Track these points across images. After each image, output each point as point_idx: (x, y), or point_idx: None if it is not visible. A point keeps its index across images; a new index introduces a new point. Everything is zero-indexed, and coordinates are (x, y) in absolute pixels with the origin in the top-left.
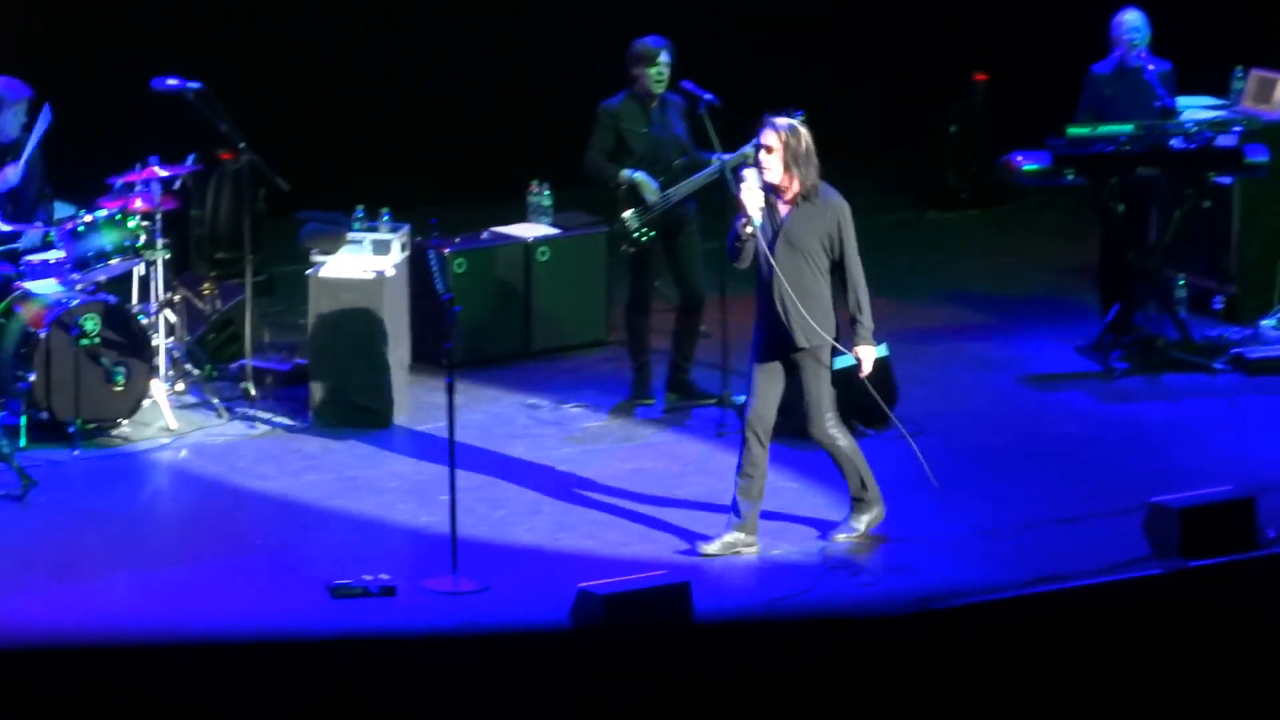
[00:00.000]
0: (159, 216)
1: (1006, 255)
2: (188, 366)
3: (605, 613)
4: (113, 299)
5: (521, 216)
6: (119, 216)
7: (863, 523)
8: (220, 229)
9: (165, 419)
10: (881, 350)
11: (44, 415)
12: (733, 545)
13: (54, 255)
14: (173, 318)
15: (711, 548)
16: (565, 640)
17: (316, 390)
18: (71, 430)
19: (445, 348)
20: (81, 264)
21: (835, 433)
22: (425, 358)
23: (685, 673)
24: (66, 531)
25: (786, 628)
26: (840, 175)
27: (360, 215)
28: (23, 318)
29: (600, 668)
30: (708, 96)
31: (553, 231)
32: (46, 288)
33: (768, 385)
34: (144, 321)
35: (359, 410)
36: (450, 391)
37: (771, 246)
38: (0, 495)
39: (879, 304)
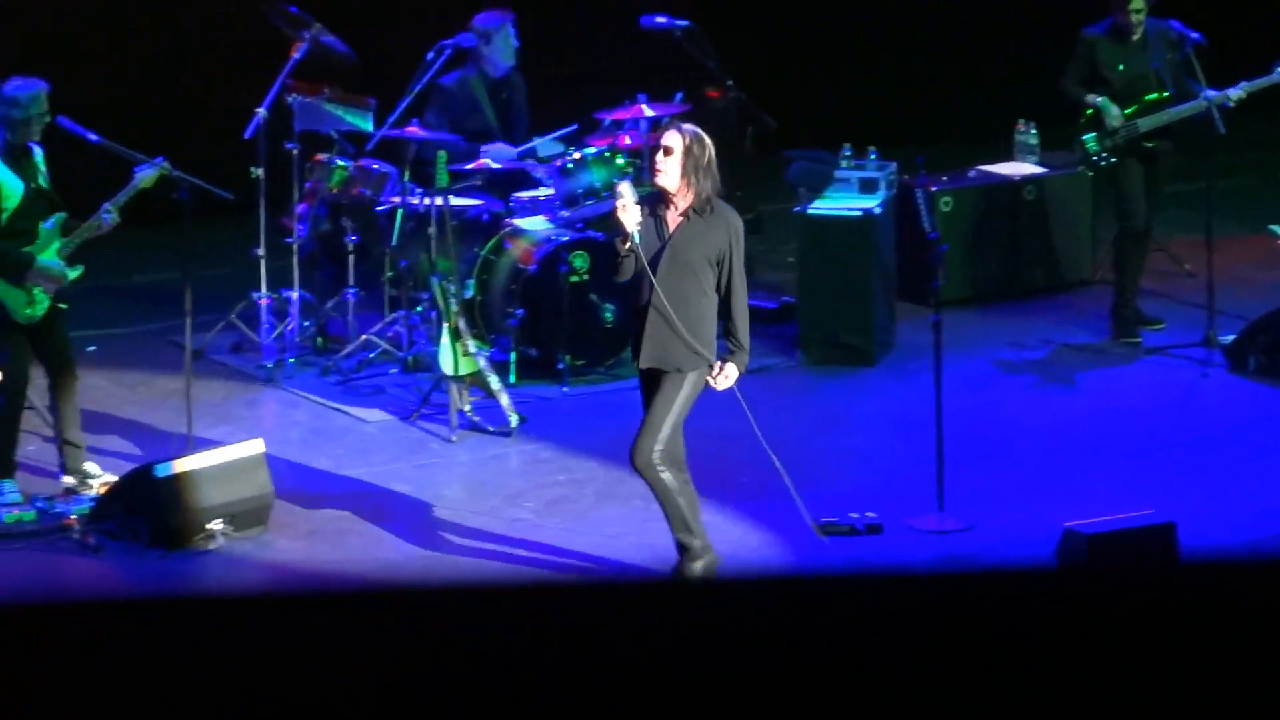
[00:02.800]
0: (647, 154)
1: None
2: None
3: (1090, 552)
4: (601, 236)
5: (1008, 155)
6: (607, 154)
7: (696, 571)
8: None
9: None
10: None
11: (533, 352)
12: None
13: (543, 192)
14: None
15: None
16: (1050, 580)
17: (803, 328)
18: (560, 367)
19: (932, 286)
20: (570, 201)
21: (660, 465)
22: (911, 296)
23: (1172, 616)
24: (554, 467)
25: (1275, 569)
26: None
27: (847, 154)
28: (512, 254)
29: (1086, 609)
30: (1194, 36)
31: (1039, 170)
32: (535, 225)
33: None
34: None
35: (845, 348)
36: (937, 329)
37: (656, 260)
38: (490, 431)
39: None
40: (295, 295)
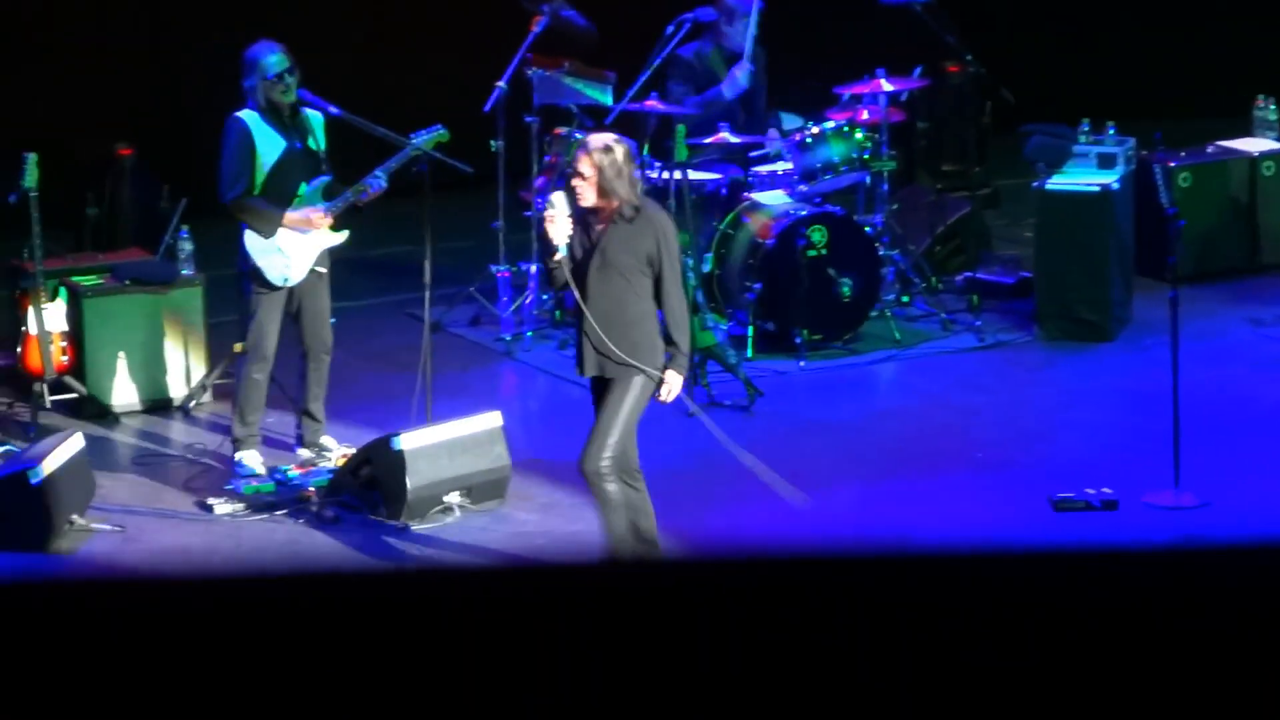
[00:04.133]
0: (886, 129)
1: None
2: (914, 279)
3: None
4: (839, 211)
5: (1247, 131)
6: (846, 129)
7: None
8: (946, 142)
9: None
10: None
11: (770, 326)
12: None
13: (782, 166)
14: (898, 230)
15: None
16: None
17: (1040, 303)
18: (798, 342)
19: (1169, 262)
20: (809, 175)
21: (608, 475)
22: (1148, 271)
23: None
24: (791, 442)
25: None
26: None
27: (1085, 129)
28: (750, 228)
29: None
30: None
31: (1278, 146)
32: (774, 199)
33: None
34: (870, 234)
35: (1081, 323)
36: (1173, 305)
37: (585, 267)
38: (727, 405)
39: None
40: (534, 268)
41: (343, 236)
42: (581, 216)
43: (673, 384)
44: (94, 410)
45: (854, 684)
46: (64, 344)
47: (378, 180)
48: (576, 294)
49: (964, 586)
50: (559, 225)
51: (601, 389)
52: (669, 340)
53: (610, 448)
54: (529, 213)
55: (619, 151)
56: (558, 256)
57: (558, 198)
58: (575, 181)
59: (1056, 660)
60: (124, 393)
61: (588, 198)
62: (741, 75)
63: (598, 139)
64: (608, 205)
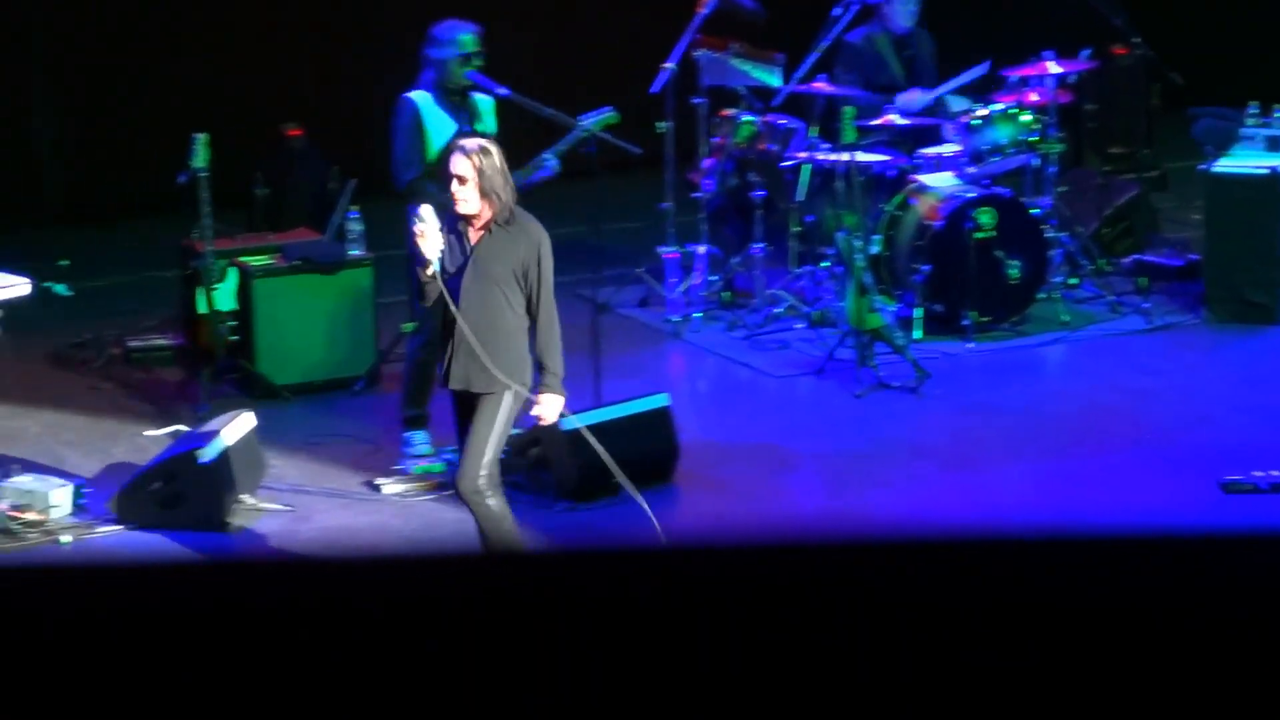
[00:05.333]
0: (1054, 111)
1: None
2: (1082, 261)
3: None
4: (1007, 193)
5: None
6: (1014, 111)
7: None
8: (1114, 124)
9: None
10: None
11: (938, 308)
12: None
13: (949, 149)
14: (1066, 212)
15: None
16: None
17: (1209, 285)
18: (966, 324)
19: None
20: (976, 157)
21: (486, 489)
22: None
23: None
24: (959, 423)
25: None
26: None
27: (1254, 111)
28: (918, 210)
29: None
30: None
31: None
32: (941, 181)
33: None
34: (1038, 216)
35: (1250, 305)
36: None
37: (458, 277)
38: (895, 387)
39: None
40: (702, 250)
41: None
42: (453, 226)
43: (549, 406)
44: (263, 390)
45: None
46: (233, 323)
47: (548, 163)
48: (452, 306)
49: (1134, 566)
50: (430, 239)
51: (467, 404)
52: (538, 359)
53: (486, 465)
54: (697, 194)
55: (496, 154)
56: (430, 270)
57: (425, 210)
58: (454, 187)
59: (1228, 645)
60: (293, 372)
61: (470, 204)
62: (917, 100)
63: (472, 141)
64: (485, 211)
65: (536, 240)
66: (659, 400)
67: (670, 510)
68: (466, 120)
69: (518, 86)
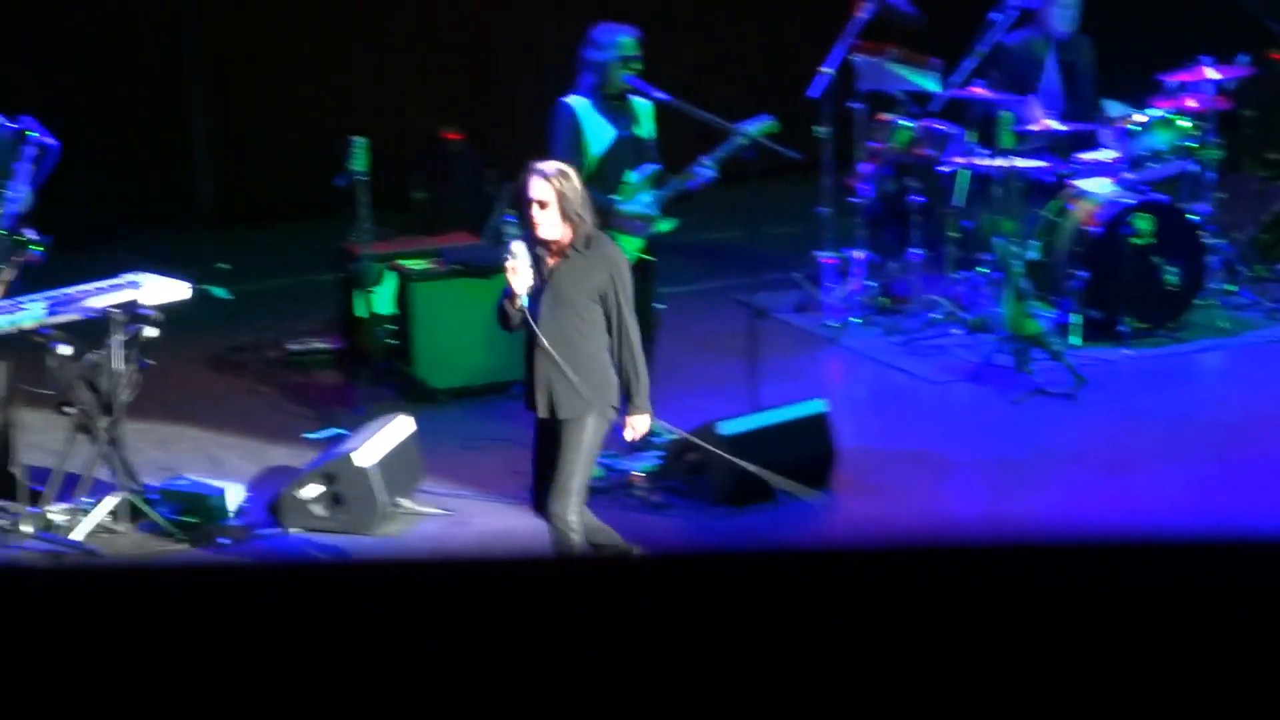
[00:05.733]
0: (1212, 117)
1: None
2: (1239, 267)
3: None
4: (1165, 199)
5: None
6: (1171, 116)
7: None
8: (1272, 130)
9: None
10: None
11: (1095, 314)
12: None
13: (1107, 154)
14: (1224, 218)
15: None
16: None
17: None
18: (1122, 329)
19: None
20: (1134, 163)
21: (574, 522)
22: None
23: None
24: (1116, 430)
25: None
26: None
27: None
28: (1076, 216)
29: None
30: None
31: None
32: (1099, 187)
33: (549, 467)
34: (1196, 222)
35: None
36: None
37: (536, 304)
38: (1052, 393)
39: None
40: (860, 255)
41: (671, 225)
42: (530, 250)
43: (637, 424)
44: (421, 393)
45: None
46: (392, 327)
47: (706, 169)
48: (537, 332)
49: (1230, 574)
50: (521, 275)
51: (550, 429)
52: (623, 380)
53: (575, 492)
54: (854, 199)
55: (574, 175)
56: (518, 304)
57: (518, 246)
58: (534, 212)
59: None
60: (450, 376)
61: (552, 228)
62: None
63: (550, 164)
64: (566, 235)
65: (612, 262)
66: (816, 406)
67: (827, 515)
68: (625, 125)
69: (676, 91)
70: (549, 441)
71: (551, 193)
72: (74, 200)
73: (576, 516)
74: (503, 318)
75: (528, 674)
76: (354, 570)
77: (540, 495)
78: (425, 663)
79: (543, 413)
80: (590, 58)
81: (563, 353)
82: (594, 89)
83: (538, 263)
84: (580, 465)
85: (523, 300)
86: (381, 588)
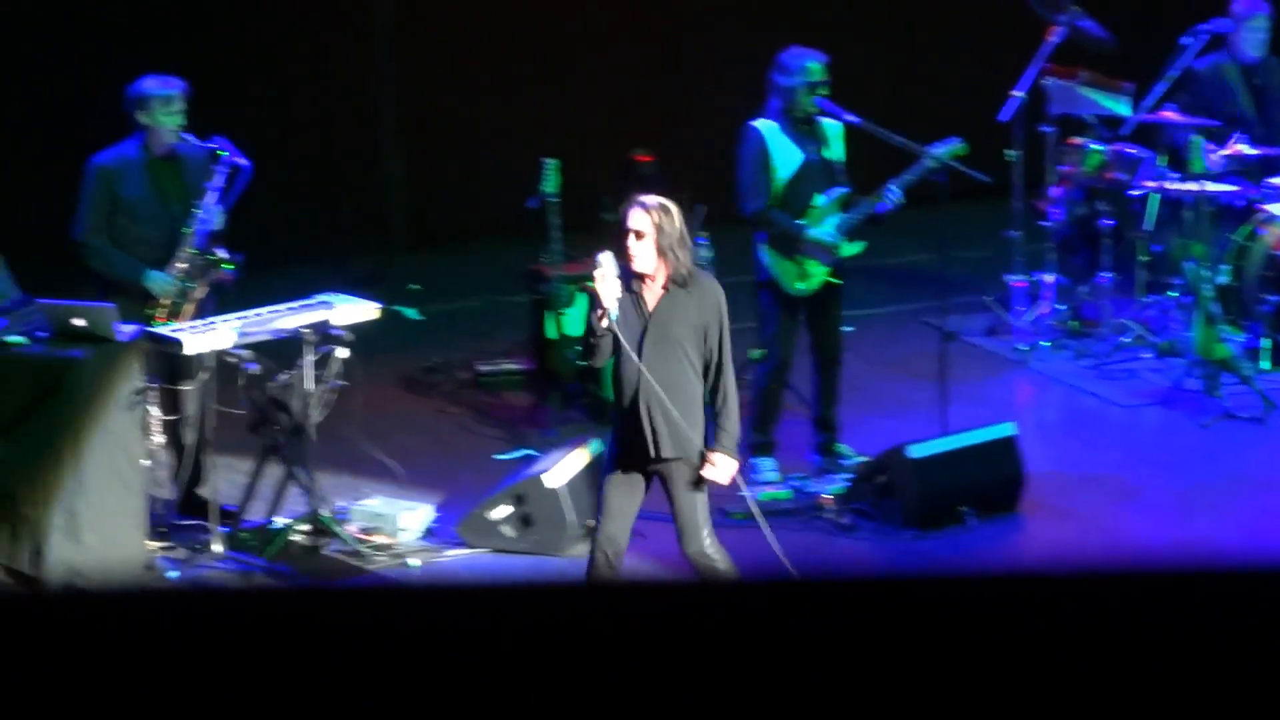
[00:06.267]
0: None
1: None
2: None
3: None
4: None
5: None
6: None
7: None
8: None
9: None
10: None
11: None
12: None
13: None
14: None
15: None
16: None
17: None
18: None
19: None
20: None
21: (714, 553)
22: None
23: None
24: None
25: None
26: None
27: None
28: (1266, 241)
29: None
30: None
31: None
32: None
33: (623, 501)
34: None
35: None
36: None
37: (640, 339)
38: (1242, 418)
39: None
40: (1050, 279)
41: (858, 248)
42: (627, 285)
43: (723, 468)
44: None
45: None
46: (582, 349)
47: (894, 194)
48: (641, 366)
49: None
50: (609, 285)
51: (633, 469)
52: (716, 419)
53: (705, 525)
54: (1044, 222)
55: (674, 209)
56: (606, 322)
57: (605, 257)
58: (630, 242)
59: None
60: None
61: (646, 260)
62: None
63: (653, 198)
64: (661, 269)
65: (716, 300)
66: (1005, 429)
67: (1016, 538)
68: (813, 148)
69: (866, 113)
70: (629, 486)
71: (649, 224)
72: (266, 220)
73: (714, 545)
74: (588, 350)
75: (733, 695)
76: (543, 594)
77: (611, 537)
78: (613, 685)
79: (672, 453)
80: (778, 82)
81: (667, 391)
82: (782, 113)
83: (636, 298)
84: (702, 501)
85: (613, 313)
86: (573, 610)
